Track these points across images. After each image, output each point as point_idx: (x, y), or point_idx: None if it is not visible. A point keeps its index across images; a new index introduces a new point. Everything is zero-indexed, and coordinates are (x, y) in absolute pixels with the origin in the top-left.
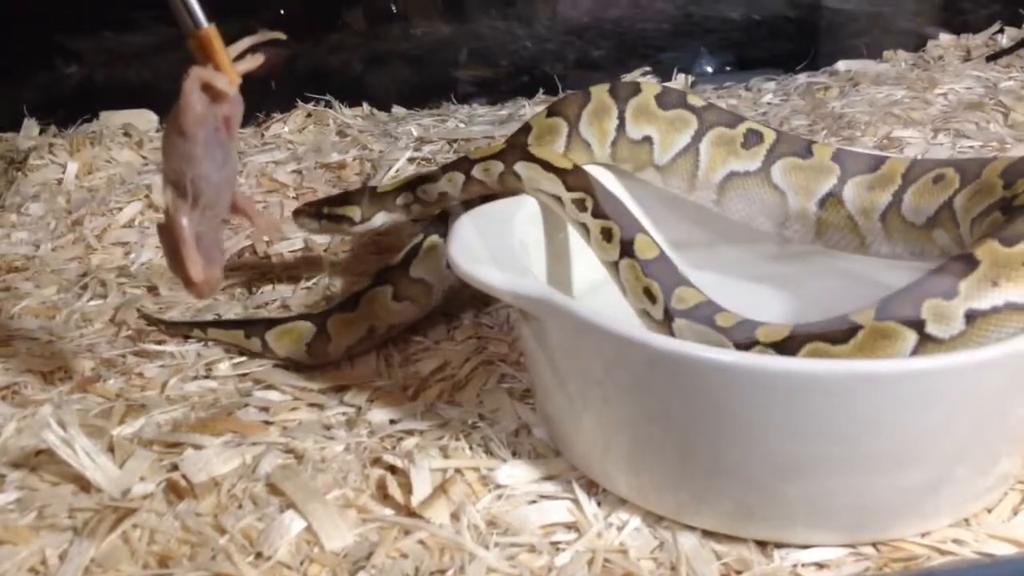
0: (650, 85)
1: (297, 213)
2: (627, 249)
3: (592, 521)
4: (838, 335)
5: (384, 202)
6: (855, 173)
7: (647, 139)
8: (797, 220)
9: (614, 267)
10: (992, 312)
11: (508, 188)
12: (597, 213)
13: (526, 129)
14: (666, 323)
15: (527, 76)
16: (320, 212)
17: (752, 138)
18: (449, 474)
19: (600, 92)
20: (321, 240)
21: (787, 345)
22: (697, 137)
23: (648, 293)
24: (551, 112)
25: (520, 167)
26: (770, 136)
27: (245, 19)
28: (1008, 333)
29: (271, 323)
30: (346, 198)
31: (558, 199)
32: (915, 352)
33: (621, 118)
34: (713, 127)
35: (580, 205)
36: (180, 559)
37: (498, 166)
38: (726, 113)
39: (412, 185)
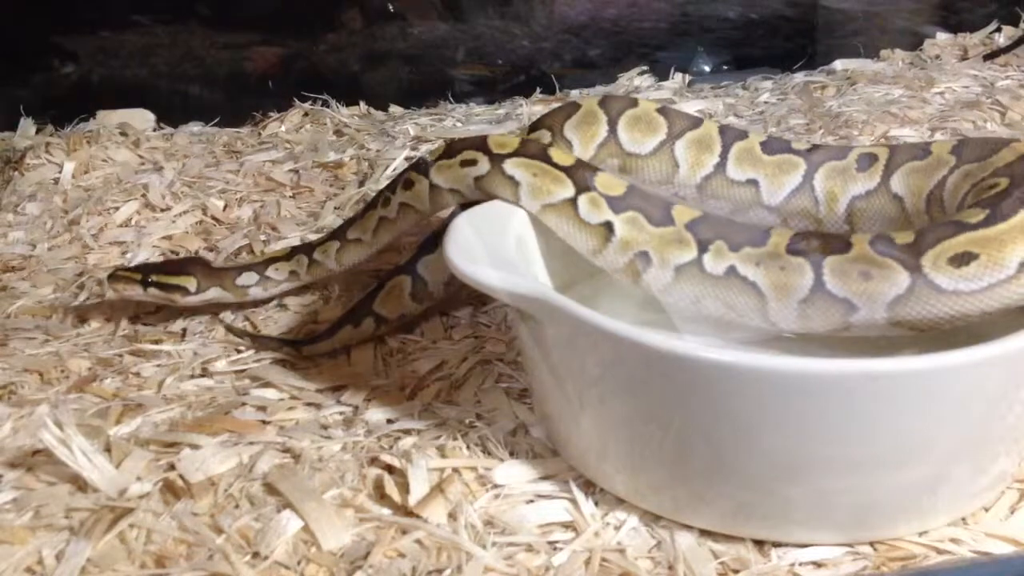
0: (757, 134)
1: (115, 278)
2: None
3: (589, 520)
4: (655, 218)
5: (221, 279)
6: (969, 160)
7: (752, 182)
8: (915, 221)
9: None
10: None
11: (348, 264)
12: (421, 168)
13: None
14: (497, 169)
15: (524, 75)
16: (147, 280)
17: (864, 161)
18: (446, 473)
19: (708, 130)
20: None
21: (618, 202)
22: (809, 175)
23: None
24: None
25: (353, 232)
26: (884, 153)
27: (244, 18)
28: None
29: (369, 299)
30: (179, 267)
31: (385, 218)
32: (684, 266)
33: (724, 157)
34: (824, 163)
35: (404, 185)
36: (177, 559)
37: (333, 245)
38: (833, 148)
39: (260, 265)
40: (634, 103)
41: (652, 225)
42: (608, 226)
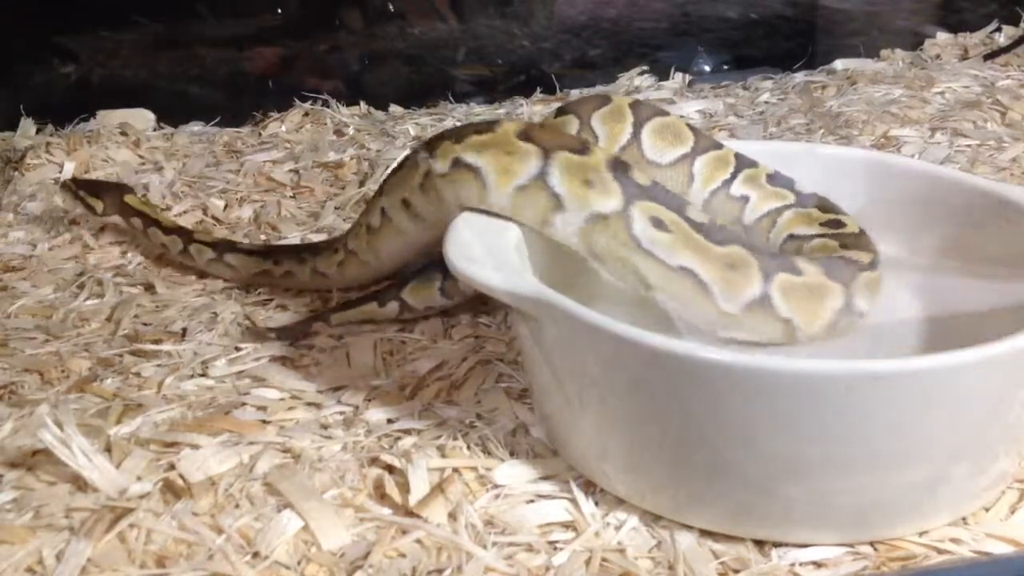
0: (766, 167)
1: (63, 186)
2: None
3: (590, 520)
4: (482, 128)
5: (123, 211)
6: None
7: (744, 198)
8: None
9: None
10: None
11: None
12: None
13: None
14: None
15: (524, 75)
16: (78, 193)
17: (833, 224)
18: (447, 473)
19: (727, 153)
20: None
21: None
22: (784, 208)
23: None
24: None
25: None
26: (851, 223)
27: (244, 18)
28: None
29: (400, 284)
30: (100, 189)
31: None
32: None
33: (733, 176)
34: (805, 205)
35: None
36: (177, 559)
37: (208, 252)
38: (819, 197)
39: (150, 220)
40: (665, 113)
41: (477, 134)
42: (427, 174)
